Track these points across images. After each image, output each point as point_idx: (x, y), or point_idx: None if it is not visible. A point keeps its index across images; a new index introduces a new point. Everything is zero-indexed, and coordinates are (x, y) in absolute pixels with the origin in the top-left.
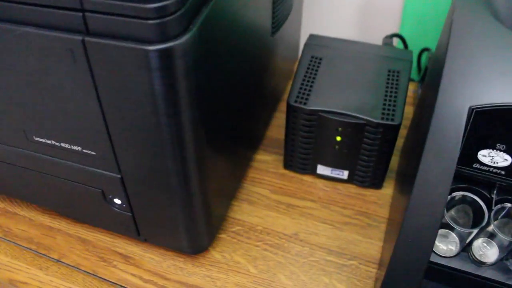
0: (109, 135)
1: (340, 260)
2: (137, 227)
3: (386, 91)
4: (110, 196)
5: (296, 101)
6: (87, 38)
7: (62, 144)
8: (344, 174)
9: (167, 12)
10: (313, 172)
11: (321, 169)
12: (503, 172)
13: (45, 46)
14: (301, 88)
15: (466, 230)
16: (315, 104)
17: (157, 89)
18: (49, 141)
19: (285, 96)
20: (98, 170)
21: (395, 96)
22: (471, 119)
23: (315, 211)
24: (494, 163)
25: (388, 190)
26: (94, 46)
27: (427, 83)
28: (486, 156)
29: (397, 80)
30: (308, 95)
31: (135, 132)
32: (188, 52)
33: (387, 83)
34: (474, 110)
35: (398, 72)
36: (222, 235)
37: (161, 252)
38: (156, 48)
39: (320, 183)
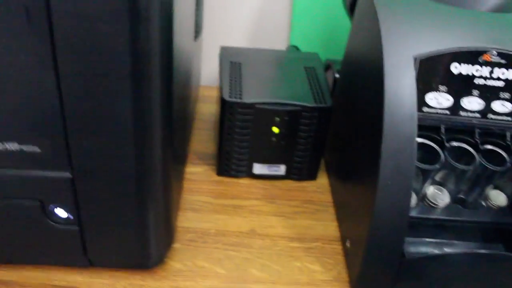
0: (63, 118)
1: (304, 244)
2: (84, 245)
3: (310, 83)
4: (51, 207)
5: (230, 97)
6: None
7: None
8: (282, 170)
9: None
10: (248, 174)
11: (258, 168)
12: (448, 112)
13: None
14: (231, 86)
15: (429, 167)
16: (250, 97)
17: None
18: None
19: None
20: (39, 173)
21: (319, 86)
22: (417, 67)
23: (263, 207)
24: (439, 104)
25: (323, 180)
26: None
27: (349, 73)
28: (432, 99)
29: (315, 74)
30: (240, 91)
31: (101, 109)
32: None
33: (308, 77)
34: (418, 59)
35: (313, 68)
36: (176, 245)
37: (111, 274)
38: None
39: (258, 183)
